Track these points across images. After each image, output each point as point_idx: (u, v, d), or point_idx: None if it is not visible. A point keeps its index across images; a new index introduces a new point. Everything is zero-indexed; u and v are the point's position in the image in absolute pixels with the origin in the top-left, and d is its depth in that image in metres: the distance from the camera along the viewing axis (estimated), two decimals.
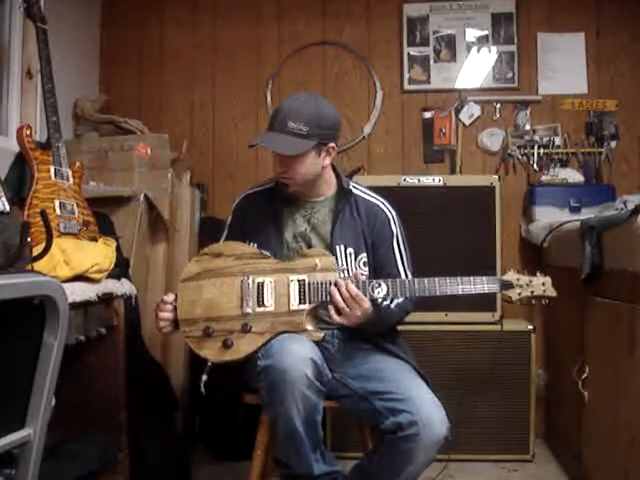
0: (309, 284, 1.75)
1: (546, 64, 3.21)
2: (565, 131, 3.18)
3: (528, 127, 3.19)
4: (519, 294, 1.75)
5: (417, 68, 3.26)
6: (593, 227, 2.10)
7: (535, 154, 3.16)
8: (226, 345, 1.71)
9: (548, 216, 2.96)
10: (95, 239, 2.04)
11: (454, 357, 2.66)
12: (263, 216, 1.94)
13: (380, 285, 1.74)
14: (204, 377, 1.75)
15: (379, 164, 3.25)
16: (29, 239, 1.56)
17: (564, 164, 3.16)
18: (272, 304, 1.75)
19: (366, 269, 1.88)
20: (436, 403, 1.67)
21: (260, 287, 1.76)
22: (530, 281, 1.76)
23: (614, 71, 3.17)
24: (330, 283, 1.73)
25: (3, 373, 1.11)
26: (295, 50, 3.30)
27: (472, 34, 3.24)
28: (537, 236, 2.93)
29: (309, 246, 1.91)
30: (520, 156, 3.19)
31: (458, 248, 2.62)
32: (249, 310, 1.74)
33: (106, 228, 2.33)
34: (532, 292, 1.75)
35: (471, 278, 1.74)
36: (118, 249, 2.13)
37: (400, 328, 1.99)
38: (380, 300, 1.80)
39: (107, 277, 1.97)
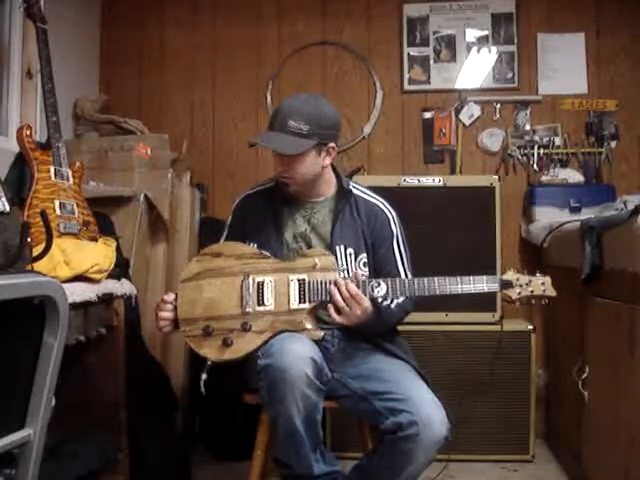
0: (309, 283, 1.75)
1: (546, 64, 3.21)
2: (565, 131, 3.18)
3: (528, 127, 3.19)
4: (519, 293, 1.75)
5: (417, 68, 3.26)
6: (593, 227, 2.10)
7: (535, 154, 3.16)
8: (226, 344, 1.71)
9: (548, 216, 2.96)
10: (95, 239, 2.04)
11: (454, 357, 2.66)
12: (263, 216, 1.94)
13: (380, 284, 1.74)
14: (204, 376, 1.75)
15: (379, 164, 3.25)
16: (29, 239, 1.56)
17: (564, 164, 3.16)
18: (272, 303, 1.75)
19: (366, 269, 1.88)
20: (436, 403, 1.67)
21: (260, 286, 1.76)
22: (530, 281, 1.76)
23: (614, 71, 3.17)
24: (330, 282, 1.73)
25: (3, 373, 1.11)
26: (295, 50, 3.30)
27: (472, 34, 3.24)
28: (537, 236, 2.93)
29: (309, 246, 1.91)
30: (520, 156, 3.19)
31: (458, 248, 2.62)
32: (249, 309, 1.74)
33: (106, 228, 2.33)
34: (532, 292, 1.76)
35: (471, 277, 1.74)
36: (118, 249, 2.13)
37: (400, 328, 1.99)
38: (380, 300, 1.80)
39: (107, 277, 1.96)
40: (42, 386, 1.17)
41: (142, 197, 2.60)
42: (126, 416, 2.05)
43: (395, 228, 1.94)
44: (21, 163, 2.04)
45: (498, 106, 3.21)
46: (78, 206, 2.03)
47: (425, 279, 1.74)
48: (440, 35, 3.25)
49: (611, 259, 2.03)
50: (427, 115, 3.24)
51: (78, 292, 1.74)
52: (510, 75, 3.22)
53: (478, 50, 3.23)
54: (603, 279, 2.07)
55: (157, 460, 2.21)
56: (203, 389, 1.74)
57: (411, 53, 3.26)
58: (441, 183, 2.74)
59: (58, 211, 1.93)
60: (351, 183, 1.99)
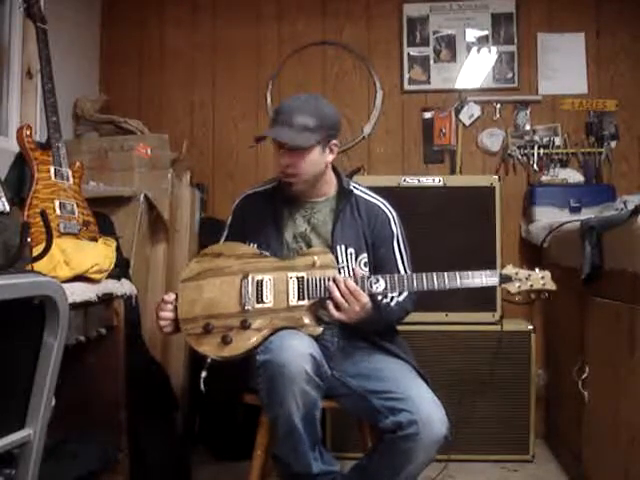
0: (308, 281, 1.76)
1: (546, 64, 3.21)
2: (565, 131, 3.18)
3: (528, 127, 3.19)
4: (518, 287, 1.76)
5: (417, 68, 3.26)
6: (593, 227, 2.10)
7: (535, 154, 3.16)
8: (225, 341, 1.71)
9: (548, 216, 2.96)
10: (95, 239, 2.04)
11: (454, 357, 2.66)
12: (263, 216, 1.94)
13: (378, 280, 1.74)
14: (203, 374, 1.75)
15: (379, 164, 3.25)
16: (29, 239, 1.56)
17: (564, 164, 3.16)
18: (271, 301, 1.75)
19: (367, 269, 1.89)
20: (436, 402, 1.67)
21: (259, 284, 1.77)
22: (529, 275, 1.76)
23: (614, 71, 3.18)
24: (329, 279, 1.74)
25: (3, 373, 1.11)
26: (295, 50, 3.30)
27: (472, 34, 3.24)
28: (537, 236, 2.93)
29: (309, 246, 1.91)
30: (520, 156, 3.19)
31: (458, 248, 2.62)
32: (248, 307, 1.75)
33: (106, 228, 2.33)
34: (531, 286, 1.76)
35: (469, 272, 1.74)
36: (118, 249, 2.13)
37: (400, 328, 1.99)
38: (380, 297, 1.81)
39: (107, 277, 1.96)
40: (42, 386, 1.18)
41: (142, 197, 2.60)
42: (126, 416, 2.05)
43: (395, 228, 1.95)
44: (21, 163, 2.04)
45: (498, 106, 3.21)
46: (78, 206, 2.03)
47: (423, 274, 1.75)
48: (440, 35, 3.25)
49: (611, 259, 2.03)
50: (427, 115, 3.24)
51: (78, 292, 1.74)
52: (510, 75, 3.22)
53: (478, 50, 3.23)
54: (603, 279, 2.07)
55: (157, 460, 2.21)
56: (203, 386, 1.74)
57: (411, 53, 3.26)
58: (441, 183, 2.74)
59: (58, 211, 1.93)
60: (351, 183, 1.99)
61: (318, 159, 1.86)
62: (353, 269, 1.81)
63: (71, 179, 2.05)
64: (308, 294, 1.75)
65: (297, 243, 1.93)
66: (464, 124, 3.23)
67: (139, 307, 2.38)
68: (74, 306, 1.68)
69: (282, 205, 1.95)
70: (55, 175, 1.99)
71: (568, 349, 2.54)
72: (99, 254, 1.92)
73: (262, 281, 1.77)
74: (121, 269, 2.16)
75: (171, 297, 1.81)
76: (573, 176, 3.13)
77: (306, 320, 1.73)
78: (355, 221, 1.92)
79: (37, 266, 1.54)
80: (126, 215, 2.56)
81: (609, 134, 3.14)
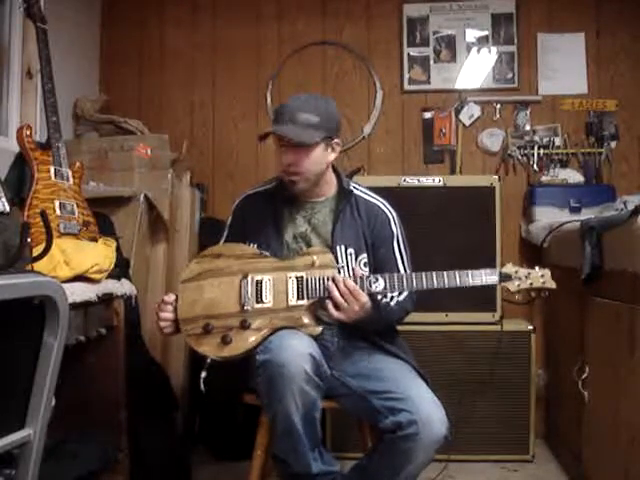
0: (307, 280, 1.76)
1: (546, 64, 3.21)
2: (565, 131, 3.18)
3: (528, 127, 3.19)
4: (518, 286, 1.76)
5: (417, 68, 3.26)
6: (593, 227, 2.10)
7: (535, 154, 3.16)
8: (225, 341, 1.71)
9: (548, 216, 2.96)
10: (95, 239, 2.04)
11: (454, 357, 2.66)
12: (263, 217, 1.94)
13: (377, 279, 1.75)
14: (203, 374, 1.75)
15: (379, 164, 3.25)
16: (29, 239, 1.56)
17: (564, 164, 3.16)
18: (270, 301, 1.75)
19: (367, 269, 1.89)
20: (435, 402, 1.67)
21: (259, 285, 1.77)
22: (529, 273, 1.76)
23: (614, 71, 3.18)
24: (328, 279, 1.74)
25: (3, 373, 1.11)
26: (295, 50, 3.30)
27: (472, 34, 3.24)
28: (537, 236, 2.93)
29: (309, 246, 1.91)
30: (520, 156, 3.19)
31: (458, 248, 2.61)
32: (248, 307, 1.75)
33: (106, 228, 2.33)
34: (531, 284, 1.76)
35: (469, 271, 1.74)
36: (118, 249, 2.13)
37: (400, 328, 1.99)
38: (380, 296, 1.81)
39: (107, 277, 1.97)
40: (42, 386, 1.17)
41: (142, 197, 2.60)
42: (126, 416, 2.05)
43: (395, 228, 1.95)
44: (21, 163, 2.04)
45: (498, 106, 3.21)
46: (78, 206, 2.03)
47: (423, 273, 1.75)
48: (440, 35, 3.25)
49: (611, 259, 2.03)
50: (427, 115, 3.24)
51: (78, 292, 1.74)
52: (510, 75, 3.22)
53: (478, 50, 3.23)
54: (603, 279, 2.08)
55: (157, 460, 2.21)
56: (203, 386, 1.74)
57: (411, 53, 3.26)
58: (441, 183, 2.74)
59: (58, 211, 1.93)
60: (351, 183, 2.00)
61: (321, 157, 1.86)
62: (353, 268, 1.81)
63: (71, 179, 2.05)
64: (307, 294, 1.75)
65: (297, 243, 1.93)
66: (464, 124, 3.23)
67: (139, 307, 2.38)
68: (74, 306, 1.68)
69: (282, 205, 1.95)
70: (55, 175, 1.99)
71: (568, 349, 2.54)
72: (99, 254, 1.92)
73: (261, 281, 1.77)
74: (121, 269, 2.16)
75: (171, 298, 1.81)
76: (573, 176, 3.13)
77: (305, 320, 1.73)
78: (355, 221, 1.92)
79: (37, 266, 1.54)
80: (126, 215, 2.56)
81: (609, 134, 3.14)
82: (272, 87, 3.30)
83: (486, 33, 3.23)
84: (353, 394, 1.76)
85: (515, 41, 3.22)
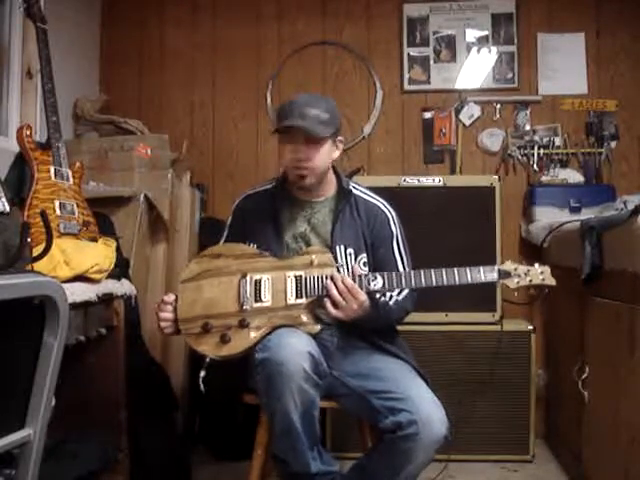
0: (306, 279, 1.76)
1: (546, 64, 3.21)
2: (565, 131, 3.18)
3: (528, 127, 3.19)
4: (517, 283, 1.75)
5: (417, 68, 3.26)
6: (593, 227, 2.10)
7: (535, 154, 3.16)
8: (224, 340, 1.71)
9: (548, 216, 2.96)
10: (95, 239, 2.04)
11: (454, 357, 2.66)
12: (263, 217, 1.94)
13: (376, 278, 1.75)
14: (202, 373, 1.75)
15: (379, 164, 3.25)
16: (29, 239, 1.56)
17: (564, 164, 3.16)
18: (269, 300, 1.76)
19: (366, 269, 1.89)
20: (435, 402, 1.67)
21: (258, 284, 1.77)
22: (528, 270, 1.76)
23: (614, 71, 3.18)
24: (327, 277, 1.74)
25: (3, 373, 1.11)
26: (295, 50, 3.30)
27: (472, 34, 3.24)
28: (537, 236, 2.93)
29: (308, 247, 1.91)
30: (520, 156, 3.19)
31: (458, 248, 2.61)
32: (247, 306, 1.75)
33: (106, 228, 2.33)
34: (530, 281, 1.75)
35: (468, 268, 1.74)
36: (118, 249, 2.13)
37: (400, 328, 1.99)
38: (378, 295, 1.81)
39: (107, 277, 1.97)
40: (42, 386, 1.17)
41: (142, 197, 2.60)
42: (126, 416, 2.05)
43: (395, 228, 1.95)
44: (21, 163, 2.04)
45: (498, 106, 3.21)
46: (78, 206, 2.03)
47: (421, 271, 1.75)
48: (440, 35, 3.25)
49: (611, 259, 2.03)
50: (427, 115, 3.24)
51: (78, 292, 1.74)
52: (510, 75, 3.22)
53: (478, 50, 3.23)
54: (603, 279, 2.08)
55: (157, 460, 2.21)
56: (202, 386, 1.74)
57: (411, 53, 3.26)
58: (441, 183, 2.74)
59: (58, 211, 1.93)
60: (351, 183, 2.00)
61: (328, 153, 1.88)
62: (352, 267, 1.82)
63: (71, 179, 2.05)
64: (306, 292, 1.75)
65: (297, 243, 1.93)
66: (464, 124, 3.23)
67: (139, 307, 2.38)
68: (74, 306, 1.68)
69: (282, 205, 1.95)
70: (55, 175, 1.99)
71: (568, 349, 2.54)
72: (99, 254, 1.92)
73: (260, 280, 1.78)
74: (121, 269, 2.16)
75: (171, 298, 1.81)
76: (573, 176, 3.13)
77: (304, 318, 1.74)
78: (354, 221, 1.92)
79: (37, 266, 1.54)
80: (126, 215, 2.56)
81: (609, 134, 3.14)
82: (272, 87, 3.30)
83: (486, 33, 3.23)
84: (353, 394, 1.76)
85: (515, 41, 3.22)
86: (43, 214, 1.66)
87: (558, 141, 3.17)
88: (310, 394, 1.62)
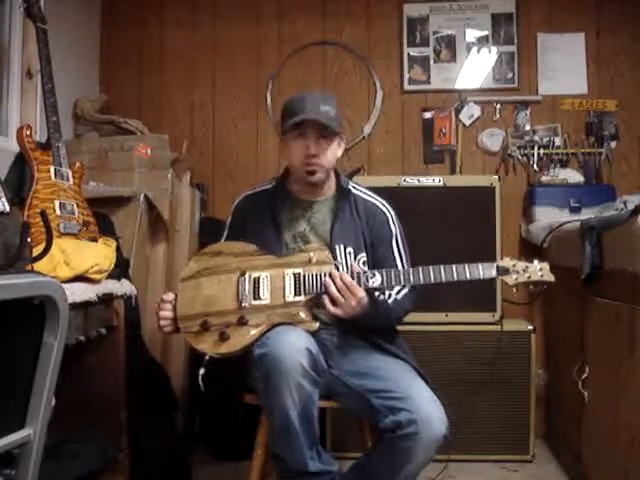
0: (304, 277, 1.76)
1: (546, 64, 3.21)
2: (565, 131, 3.18)
3: (528, 127, 3.19)
4: (516, 279, 1.75)
5: (417, 68, 3.26)
6: (593, 227, 2.10)
7: (535, 154, 3.16)
8: (223, 338, 1.71)
9: (548, 216, 2.96)
10: (95, 239, 2.04)
11: (454, 357, 2.66)
12: (263, 216, 1.94)
13: (374, 275, 1.75)
14: (201, 371, 1.75)
15: (379, 164, 3.25)
16: (29, 239, 1.56)
17: (564, 164, 3.16)
18: (268, 297, 1.76)
19: (365, 268, 1.88)
20: (435, 402, 1.67)
21: (256, 282, 1.78)
22: (527, 267, 1.76)
23: (614, 71, 3.18)
24: (325, 275, 1.75)
25: (3, 373, 1.11)
26: (295, 50, 3.30)
27: (472, 34, 3.24)
28: (537, 236, 2.93)
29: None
30: (520, 156, 3.19)
31: (458, 248, 2.59)
32: (245, 304, 1.75)
33: (106, 228, 2.33)
34: (529, 277, 1.75)
35: (466, 265, 1.74)
36: (118, 249, 2.13)
37: (400, 328, 1.99)
38: (377, 294, 1.81)
39: (107, 277, 1.97)
40: (42, 386, 1.18)
41: (142, 197, 2.60)
42: (126, 416, 2.05)
43: (394, 228, 1.95)
44: (21, 163, 2.04)
45: (498, 106, 3.21)
46: (78, 206, 2.03)
47: (420, 268, 1.76)
48: (440, 35, 3.25)
49: (611, 259, 2.03)
50: (427, 115, 3.24)
51: (78, 292, 1.74)
52: (510, 75, 3.22)
53: (478, 50, 3.23)
54: (603, 279, 2.08)
55: (157, 460, 2.21)
56: (201, 384, 1.74)
57: (411, 53, 3.26)
58: (441, 183, 2.74)
59: (58, 211, 1.93)
60: (350, 183, 2.00)
61: (336, 150, 1.91)
62: (351, 265, 1.82)
63: (71, 179, 2.05)
64: (304, 290, 1.76)
65: (296, 243, 1.93)
66: (464, 124, 3.23)
67: (139, 307, 2.38)
68: (74, 306, 1.68)
69: (282, 205, 1.96)
70: (55, 175, 1.99)
71: (568, 349, 2.54)
72: (99, 254, 1.92)
73: (259, 278, 1.78)
74: (121, 269, 2.16)
75: (170, 296, 1.82)
76: (573, 176, 3.13)
77: (303, 315, 1.74)
78: (354, 221, 1.93)
79: (37, 266, 1.54)
80: (126, 215, 2.56)
81: (609, 134, 3.14)
82: (272, 87, 3.30)
83: (486, 33, 3.23)
84: (352, 393, 1.76)
85: (515, 41, 3.22)
86: (43, 214, 1.66)
87: (558, 141, 3.17)
88: (308, 390, 1.62)
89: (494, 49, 3.22)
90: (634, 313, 1.81)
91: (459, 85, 3.24)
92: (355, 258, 1.89)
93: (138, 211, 2.58)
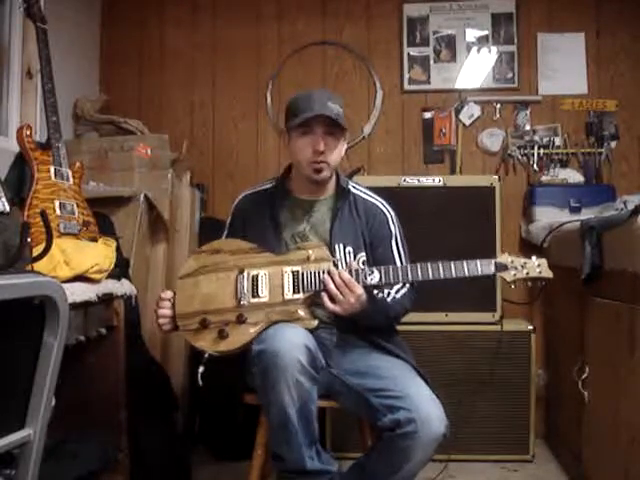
0: (303, 274, 1.76)
1: (546, 64, 3.21)
2: (565, 131, 3.18)
3: (528, 127, 3.19)
4: (514, 275, 1.75)
5: (417, 68, 3.26)
6: (593, 227, 2.10)
7: (535, 154, 3.16)
8: (221, 336, 1.72)
9: (548, 216, 2.96)
10: (95, 239, 2.04)
11: (454, 357, 2.66)
12: (262, 216, 1.94)
13: (373, 272, 1.75)
14: (201, 368, 1.75)
15: (379, 164, 3.25)
16: (29, 239, 1.56)
17: (564, 164, 3.16)
18: (266, 295, 1.76)
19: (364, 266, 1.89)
20: (434, 400, 1.67)
21: (255, 279, 1.78)
22: (525, 263, 1.76)
23: (614, 71, 3.18)
24: (324, 272, 1.75)
25: (3, 373, 1.11)
26: (295, 50, 3.30)
27: (472, 34, 3.24)
28: (537, 236, 2.93)
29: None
30: (520, 156, 3.19)
31: (458, 248, 2.58)
32: (244, 302, 1.75)
33: (106, 228, 2.33)
34: (527, 273, 1.75)
35: (464, 261, 1.74)
36: (118, 249, 2.13)
37: (400, 328, 1.99)
38: (376, 292, 1.81)
39: (107, 277, 1.97)
40: (42, 386, 1.18)
41: (142, 197, 2.60)
42: (126, 416, 2.05)
43: (394, 228, 1.95)
44: (21, 163, 2.04)
45: (498, 106, 3.21)
46: (78, 206, 2.03)
47: (418, 264, 1.76)
48: (440, 35, 3.25)
49: (611, 259, 2.03)
50: (427, 115, 3.24)
51: (78, 292, 1.74)
52: (510, 75, 3.22)
53: (478, 50, 3.23)
54: (603, 279, 2.08)
55: (157, 460, 2.21)
56: (200, 381, 1.74)
57: (411, 53, 3.26)
58: (441, 183, 2.74)
59: (58, 211, 1.93)
60: (350, 182, 2.01)
61: (341, 148, 1.91)
62: (349, 262, 1.82)
63: (71, 179, 2.05)
64: (303, 287, 1.76)
65: (296, 242, 1.93)
66: (464, 124, 3.23)
67: (139, 307, 2.38)
68: (74, 306, 1.68)
69: (281, 205, 1.96)
70: (55, 175, 1.99)
71: (568, 349, 2.54)
72: (99, 254, 1.92)
73: (257, 276, 1.78)
74: (121, 269, 2.16)
75: (168, 294, 1.82)
76: (573, 176, 3.13)
77: (301, 313, 1.74)
78: (353, 220, 1.93)
79: (37, 266, 1.54)
80: (126, 215, 2.56)
81: (609, 134, 3.14)
82: (272, 87, 3.30)
83: (486, 33, 3.23)
84: (351, 392, 1.76)
85: (515, 41, 3.22)
86: (43, 214, 1.66)
87: (558, 141, 3.17)
88: (306, 387, 1.62)
89: (494, 49, 3.22)
90: (634, 313, 1.81)
91: (459, 85, 3.24)
92: (355, 258, 1.89)
93: (138, 211, 2.58)
